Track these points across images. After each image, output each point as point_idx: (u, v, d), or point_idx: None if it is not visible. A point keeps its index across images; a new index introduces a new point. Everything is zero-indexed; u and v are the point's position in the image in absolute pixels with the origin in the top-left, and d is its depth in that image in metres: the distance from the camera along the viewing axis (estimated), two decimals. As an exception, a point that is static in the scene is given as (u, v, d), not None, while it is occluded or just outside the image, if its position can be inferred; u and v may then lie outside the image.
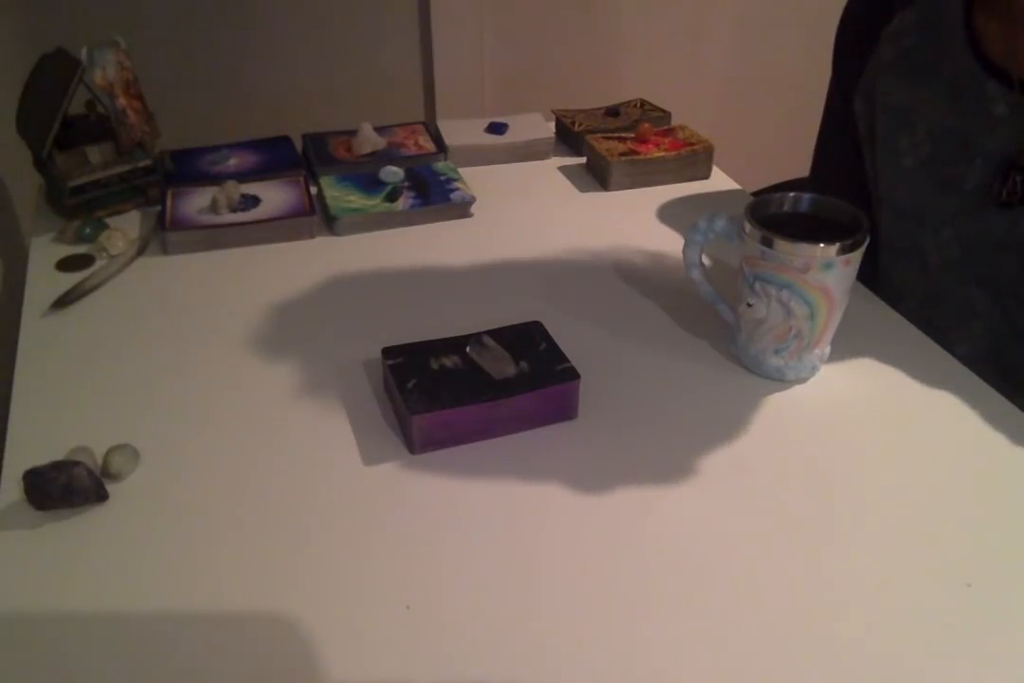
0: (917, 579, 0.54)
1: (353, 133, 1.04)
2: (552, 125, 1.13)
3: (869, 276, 0.83)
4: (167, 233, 0.86)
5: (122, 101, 0.89)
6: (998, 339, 0.82)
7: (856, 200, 0.70)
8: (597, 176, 1.03)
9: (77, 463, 0.56)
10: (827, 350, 0.70)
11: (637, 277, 0.84)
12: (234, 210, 0.90)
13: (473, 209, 0.95)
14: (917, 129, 0.81)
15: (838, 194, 0.68)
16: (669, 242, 0.90)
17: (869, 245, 0.65)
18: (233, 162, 1.00)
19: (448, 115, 1.61)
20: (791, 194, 0.69)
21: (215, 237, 0.87)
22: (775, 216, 0.68)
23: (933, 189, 0.81)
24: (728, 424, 0.66)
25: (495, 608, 0.51)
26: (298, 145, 1.05)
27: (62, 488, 0.55)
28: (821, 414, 0.67)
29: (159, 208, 0.91)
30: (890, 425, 0.66)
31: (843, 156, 0.93)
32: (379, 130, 1.05)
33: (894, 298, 0.82)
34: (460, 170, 1.00)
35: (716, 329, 0.75)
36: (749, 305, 0.67)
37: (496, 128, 1.08)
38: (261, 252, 0.88)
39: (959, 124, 0.77)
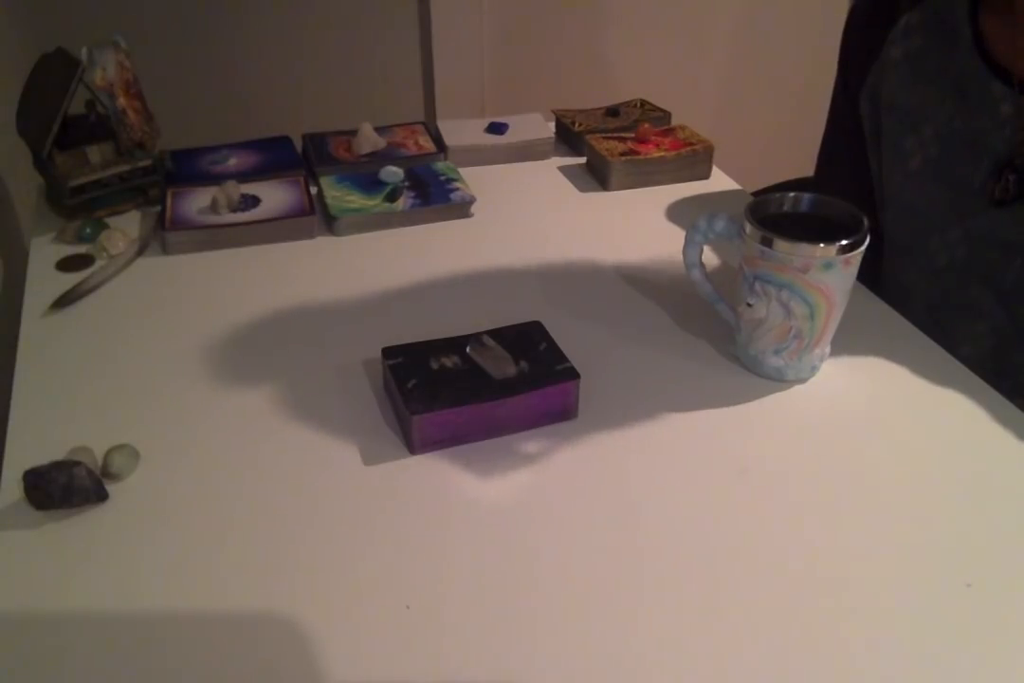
0: (917, 579, 0.53)
1: (353, 133, 1.04)
2: (552, 125, 1.13)
3: (874, 276, 0.83)
4: (167, 233, 0.86)
5: (122, 101, 0.89)
6: (1002, 340, 0.82)
7: (861, 200, 0.70)
8: (597, 176, 1.03)
9: (77, 463, 0.56)
10: (827, 350, 0.70)
11: (637, 277, 0.84)
12: (234, 210, 0.90)
13: (473, 209, 0.95)
14: (924, 129, 0.81)
15: (843, 194, 0.68)
16: (669, 242, 0.90)
17: (873, 245, 0.65)
18: (233, 162, 1.00)
19: (448, 115, 1.61)
20: (791, 194, 0.69)
21: (215, 237, 0.87)
22: (775, 216, 0.68)
23: (940, 189, 0.81)
24: (728, 424, 0.66)
25: (495, 608, 0.51)
26: (298, 145, 1.05)
27: (62, 488, 0.55)
28: (821, 414, 0.67)
29: (159, 208, 0.91)
30: (890, 425, 0.66)
31: (848, 156, 0.93)
32: (379, 130, 1.05)
33: (900, 298, 0.82)
34: (460, 170, 1.00)
35: (716, 329, 0.75)
36: (749, 305, 0.67)
37: (496, 128, 1.08)
38: (261, 252, 0.88)
39: (966, 124, 0.77)
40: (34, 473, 0.56)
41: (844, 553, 0.55)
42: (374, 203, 0.92)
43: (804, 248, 0.62)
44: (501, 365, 0.64)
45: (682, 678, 0.48)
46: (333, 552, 0.55)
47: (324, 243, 0.90)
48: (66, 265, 0.84)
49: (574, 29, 1.65)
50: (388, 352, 0.66)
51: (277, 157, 1.02)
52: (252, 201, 0.92)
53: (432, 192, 0.94)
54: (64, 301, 0.78)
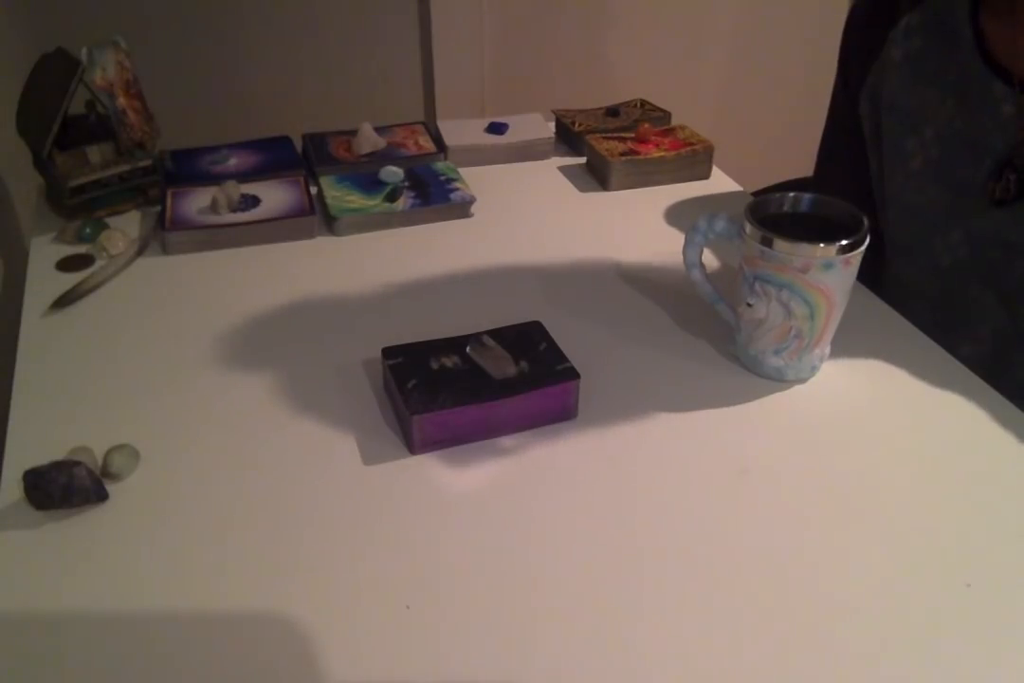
0: (917, 579, 0.54)
1: (353, 133, 1.04)
2: (552, 125, 1.13)
3: (875, 276, 0.83)
4: (167, 233, 0.86)
5: (122, 101, 0.89)
6: (1003, 340, 0.82)
7: (861, 200, 0.70)
8: (597, 176, 1.03)
9: (77, 463, 0.56)
10: (827, 350, 0.70)
11: (637, 277, 0.84)
12: (234, 210, 0.90)
13: (473, 209, 0.95)
14: (925, 130, 0.81)
15: (842, 193, 0.68)
16: (669, 242, 0.90)
17: (873, 245, 0.65)
18: (233, 162, 1.00)
19: (448, 115, 1.61)
20: (791, 194, 0.69)
21: (215, 237, 0.87)
22: (775, 216, 0.68)
23: (942, 190, 0.81)
24: (728, 424, 0.66)
25: (495, 608, 0.51)
26: (298, 145, 1.05)
27: (62, 488, 0.55)
28: (821, 414, 0.67)
29: (159, 208, 0.91)
30: (890, 425, 0.66)
31: (848, 155, 0.93)
32: (379, 130, 1.05)
33: (902, 298, 0.81)
34: (460, 170, 1.00)
35: (716, 329, 0.75)
36: (749, 305, 0.67)
37: (496, 128, 1.08)
38: (261, 252, 0.88)
39: (967, 125, 0.77)
40: (34, 473, 0.56)
41: (844, 553, 0.55)
42: (374, 203, 0.92)
43: (804, 248, 0.62)
44: (501, 365, 0.64)
45: (682, 678, 0.48)
46: (333, 552, 0.55)
47: (324, 243, 0.90)
48: (66, 265, 0.84)
49: (574, 29, 1.65)
50: (388, 352, 0.66)
51: (277, 157, 1.02)
52: (252, 201, 0.92)
53: (432, 192, 0.94)
54: (64, 301, 0.78)
